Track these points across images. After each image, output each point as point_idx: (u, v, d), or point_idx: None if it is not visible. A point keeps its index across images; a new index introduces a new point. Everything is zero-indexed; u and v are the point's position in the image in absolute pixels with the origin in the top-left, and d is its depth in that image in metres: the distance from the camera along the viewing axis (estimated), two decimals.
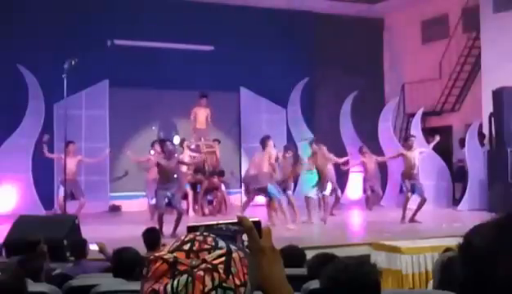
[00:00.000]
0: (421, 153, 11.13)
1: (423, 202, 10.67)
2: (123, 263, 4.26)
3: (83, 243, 5.93)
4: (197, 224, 1.17)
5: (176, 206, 9.75)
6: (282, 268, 1.20)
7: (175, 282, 0.99)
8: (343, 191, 13.57)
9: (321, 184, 11.02)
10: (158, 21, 13.67)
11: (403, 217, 10.51)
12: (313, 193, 11.05)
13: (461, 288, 1.06)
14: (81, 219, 8.12)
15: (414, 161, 10.78)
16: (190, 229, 1.16)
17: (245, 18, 14.36)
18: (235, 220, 1.18)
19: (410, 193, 10.72)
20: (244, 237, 1.17)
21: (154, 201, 10.75)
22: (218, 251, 1.03)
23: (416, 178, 10.81)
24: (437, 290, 3.04)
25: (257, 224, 1.19)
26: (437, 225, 10.09)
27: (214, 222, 1.18)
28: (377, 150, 14.13)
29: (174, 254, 1.02)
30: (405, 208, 10.61)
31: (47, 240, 5.61)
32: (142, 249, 5.68)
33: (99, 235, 7.37)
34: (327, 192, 11.04)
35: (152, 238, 5.79)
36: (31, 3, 12.90)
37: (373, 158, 13.15)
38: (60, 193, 11.10)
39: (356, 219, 12.11)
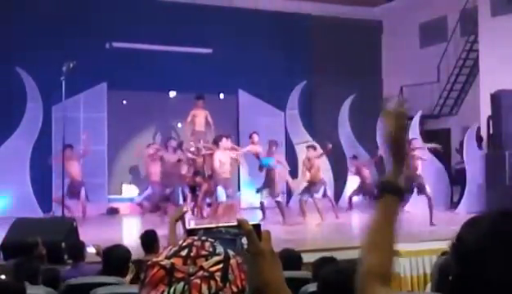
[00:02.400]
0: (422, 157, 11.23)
1: (430, 201, 10.73)
2: (113, 261, 4.27)
3: (81, 246, 5.92)
4: (197, 227, 1.18)
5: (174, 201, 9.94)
6: (281, 271, 1.20)
7: (171, 289, 0.98)
8: (340, 194, 13.58)
9: (312, 188, 11.16)
10: (156, 24, 13.67)
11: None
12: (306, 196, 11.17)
13: (452, 286, 1.05)
14: (79, 221, 8.11)
15: (416, 162, 10.87)
16: (190, 232, 1.16)
17: (244, 21, 14.36)
18: (235, 224, 1.18)
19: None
20: (244, 240, 1.17)
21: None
22: (216, 258, 1.02)
23: (420, 180, 10.87)
24: (436, 293, 3.04)
25: (256, 227, 1.19)
26: (436, 228, 10.09)
27: (214, 225, 1.17)
28: (376, 153, 14.14)
29: (171, 260, 1.01)
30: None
31: (45, 243, 5.60)
32: (140, 252, 5.68)
33: (97, 238, 7.36)
34: (319, 195, 11.19)
35: (149, 240, 5.77)
36: (30, 5, 12.89)
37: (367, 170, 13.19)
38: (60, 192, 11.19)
39: (354, 221, 12.09)
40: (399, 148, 1.35)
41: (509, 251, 0.98)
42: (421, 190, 10.81)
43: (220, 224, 1.20)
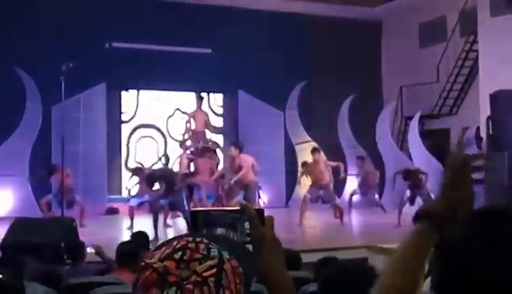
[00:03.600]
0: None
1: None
2: (126, 256, 4.29)
3: (81, 246, 5.92)
4: (200, 209, 1.20)
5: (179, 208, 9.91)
6: (283, 258, 1.20)
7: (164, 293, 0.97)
8: (340, 195, 13.56)
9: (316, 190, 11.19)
10: (156, 24, 13.67)
11: (398, 221, 10.49)
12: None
13: (435, 286, 1.05)
14: (78, 222, 8.10)
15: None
16: (193, 214, 1.19)
17: (243, 21, 14.36)
18: (238, 208, 1.19)
19: (406, 198, 10.80)
20: (246, 225, 1.17)
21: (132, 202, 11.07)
22: (210, 262, 1.00)
23: (421, 187, 10.89)
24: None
25: (260, 212, 1.19)
26: None
27: (216, 208, 1.18)
28: (375, 153, 14.16)
29: (164, 263, 0.99)
30: (400, 212, 10.60)
31: (45, 243, 5.60)
32: None
33: (96, 238, 7.36)
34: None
35: (140, 240, 5.77)
36: (30, 5, 12.89)
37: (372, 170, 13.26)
38: (49, 196, 11.20)
39: (353, 222, 12.08)
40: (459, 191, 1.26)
41: (491, 248, 0.99)
42: (414, 199, 10.88)
43: (223, 209, 1.21)
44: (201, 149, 12.94)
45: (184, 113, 15.13)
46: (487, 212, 1.06)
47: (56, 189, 11.00)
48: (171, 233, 9.81)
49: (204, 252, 1.01)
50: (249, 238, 1.17)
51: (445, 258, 1.03)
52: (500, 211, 1.06)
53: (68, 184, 10.95)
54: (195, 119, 13.69)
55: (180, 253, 1.00)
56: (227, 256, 1.02)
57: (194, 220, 1.18)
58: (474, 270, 0.99)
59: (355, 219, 12.28)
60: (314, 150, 11.60)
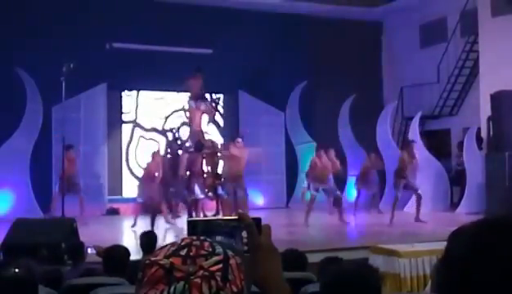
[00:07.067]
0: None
1: (419, 198, 10.85)
2: (113, 261, 4.28)
3: (81, 246, 5.92)
4: (197, 219, 1.20)
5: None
6: (280, 266, 1.20)
7: (171, 289, 0.98)
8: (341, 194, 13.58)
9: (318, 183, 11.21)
10: (156, 24, 13.67)
11: (391, 219, 10.57)
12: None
13: (440, 291, 1.05)
14: (79, 222, 8.10)
15: (408, 162, 11.09)
16: (190, 224, 1.18)
17: (244, 21, 14.36)
18: (235, 217, 1.19)
19: (399, 194, 10.95)
20: (244, 233, 1.18)
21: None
22: (216, 258, 1.01)
23: (408, 177, 11.04)
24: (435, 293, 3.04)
25: (257, 221, 1.20)
26: (436, 228, 10.10)
27: (214, 218, 1.18)
28: (376, 154, 14.14)
29: (170, 259, 1.00)
30: (393, 210, 10.73)
31: (45, 243, 5.60)
32: (139, 252, 5.69)
33: (97, 238, 7.36)
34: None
35: (149, 241, 5.77)
36: (30, 6, 12.89)
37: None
38: (57, 188, 11.20)
39: (354, 222, 12.08)
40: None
41: (492, 262, 0.99)
42: (406, 188, 11.00)
43: (220, 218, 1.21)
44: (201, 148, 12.91)
45: (184, 110, 15.14)
46: (488, 224, 1.06)
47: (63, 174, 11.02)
48: (171, 234, 9.81)
49: (209, 249, 1.03)
50: (246, 247, 1.17)
51: (448, 270, 1.03)
52: (500, 223, 1.05)
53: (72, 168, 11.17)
54: (193, 118, 13.64)
55: (185, 250, 1.02)
56: (232, 253, 1.04)
57: (192, 228, 1.19)
58: (475, 280, 0.99)
59: (355, 219, 12.26)
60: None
